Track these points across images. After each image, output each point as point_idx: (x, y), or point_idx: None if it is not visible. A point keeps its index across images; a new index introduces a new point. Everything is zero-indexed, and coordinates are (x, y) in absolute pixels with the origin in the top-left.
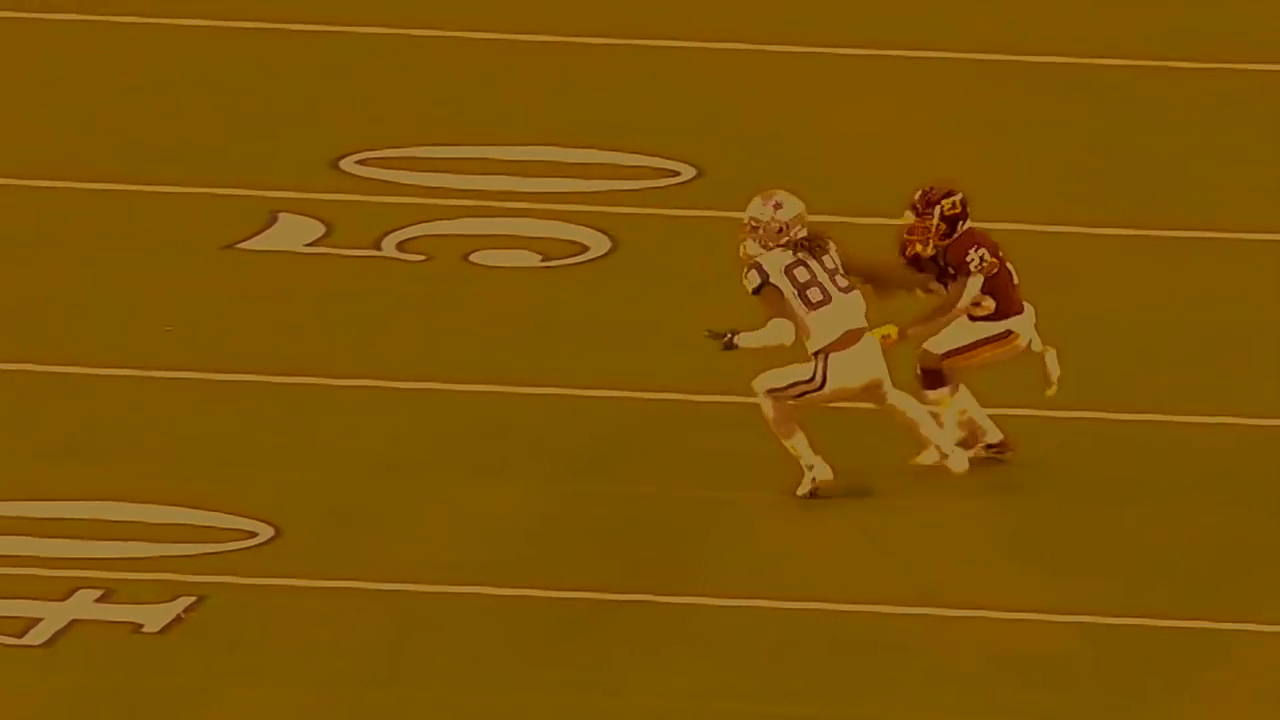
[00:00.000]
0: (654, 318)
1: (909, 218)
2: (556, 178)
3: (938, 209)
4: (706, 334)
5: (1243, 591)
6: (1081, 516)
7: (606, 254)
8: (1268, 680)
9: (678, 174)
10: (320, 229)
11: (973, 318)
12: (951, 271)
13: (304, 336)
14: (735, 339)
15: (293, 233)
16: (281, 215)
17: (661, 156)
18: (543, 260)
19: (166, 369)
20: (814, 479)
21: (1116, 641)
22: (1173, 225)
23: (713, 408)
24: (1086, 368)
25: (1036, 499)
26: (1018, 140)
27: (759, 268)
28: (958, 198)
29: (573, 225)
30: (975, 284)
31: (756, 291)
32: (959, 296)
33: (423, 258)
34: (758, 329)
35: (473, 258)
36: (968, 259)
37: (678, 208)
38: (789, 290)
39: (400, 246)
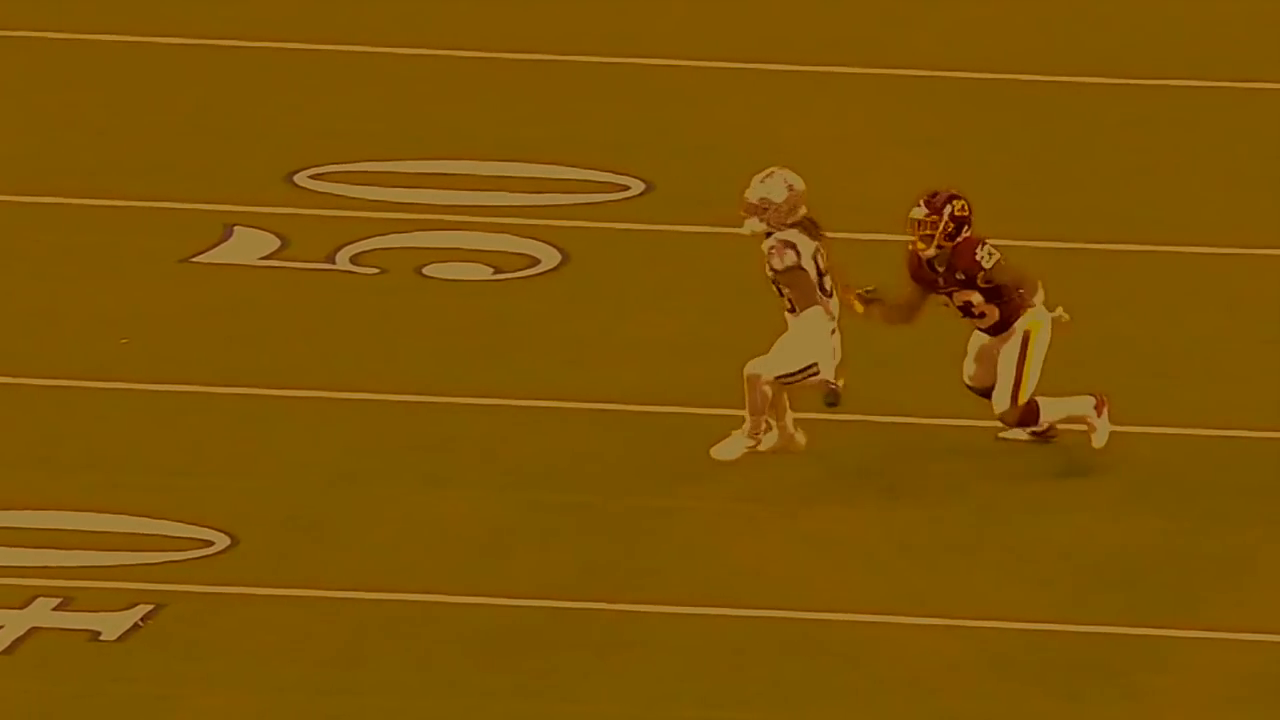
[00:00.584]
0: (604, 329)
1: (919, 213)
2: (508, 192)
3: (948, 209)
4: (829, 398)
5: (1183, 598)
6: (1024, 524)
7: (557, 267)
8: (1207, 686)
9: (628, 188)
10: (275, 242)
11: (979, 328)
12: (959, 276)
13: (259, 348)
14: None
15: (248, 246)
16: (237, 229)
17: (612, 171)
18: (494, 273)
19: (123, 380)
20: (758, 442)
21: (1059, 647)
22: (1111, 239)
23: (662, 418)
24: (1052, 379)
25: (981, 507)
26: (959, 155)
27: (794, 248)
28: (965, 201)
29: (524, 239)
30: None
31: (785, 271)
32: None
33: (376, 271)
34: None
35: (425, 270)
36: (977, 256)
37: (628, 222)
38: (814, 276)
39: (354, 260)
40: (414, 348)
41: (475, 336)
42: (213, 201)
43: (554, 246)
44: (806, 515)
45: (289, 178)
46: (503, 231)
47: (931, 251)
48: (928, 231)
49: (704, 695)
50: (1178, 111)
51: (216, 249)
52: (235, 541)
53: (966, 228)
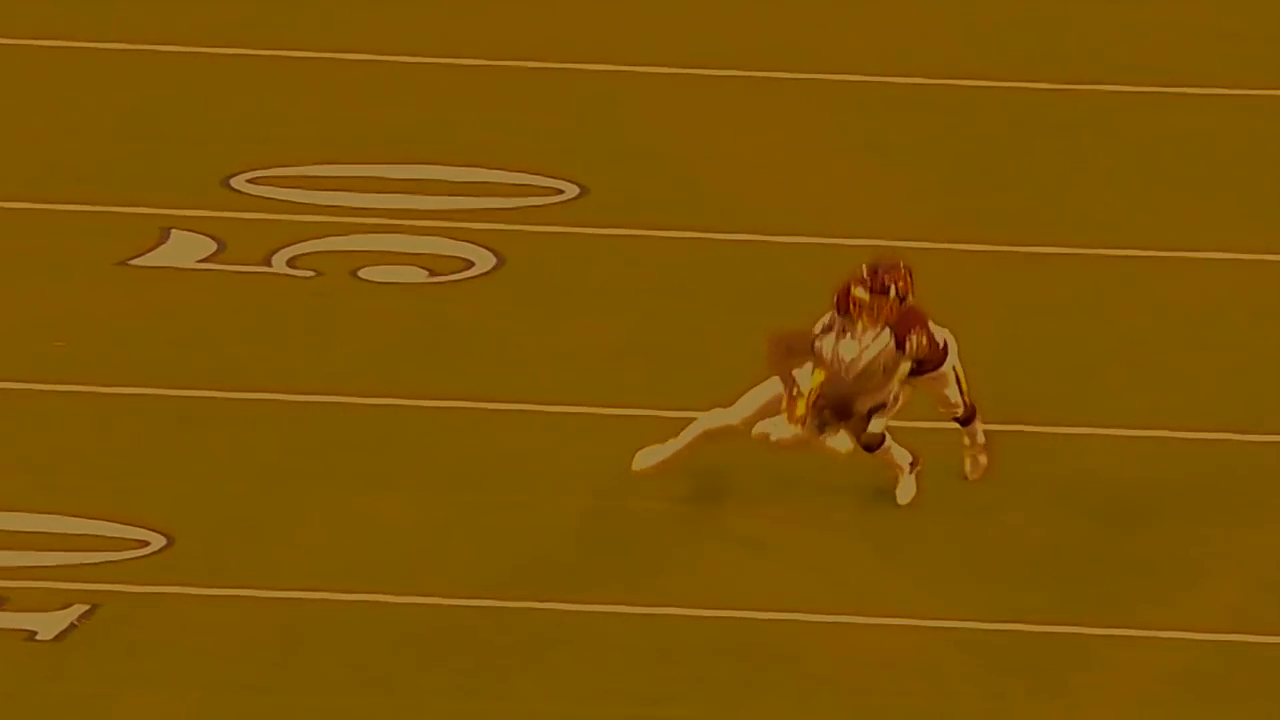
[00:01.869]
0: (539, 332)
1: (861, 294)
2: (443, 196)
3: (893, 289)
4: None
5: (1111, 597)
6: (952, 525)
7: (492, 270)
8: (1136, 684)
9: (562, 192)
10: (212, 246)
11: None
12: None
13: (196, 351)
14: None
15: (185, 250)
16: (173, 232)
17: (546, 175)
18: (430, 276)
19: (59, 382)
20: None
21: (987, 646)
22: (1040, 242)
23: (597, 419)
24: (979, 382)
25: (909, 507)
26: (890, 159)
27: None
28: (905, 270)
29: (459, 242)
30: (904, 368)
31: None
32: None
33: (312, 274)
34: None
35: (361, 273)
36: (908, 342)
37: (562, 225)
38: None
39: (290, 263)
40: (350, 350)
41: (411, 339)
42: (149, 205)
43: (489, 250)
44: (739, 516)
45: (225, 181)
46: (437, 235)
47: (875, 329)
48: (874, 312)
49: (637, 693)
50: (1106, 116)
51: (153, 252)
52: (171, 541)
53: (910, 296)
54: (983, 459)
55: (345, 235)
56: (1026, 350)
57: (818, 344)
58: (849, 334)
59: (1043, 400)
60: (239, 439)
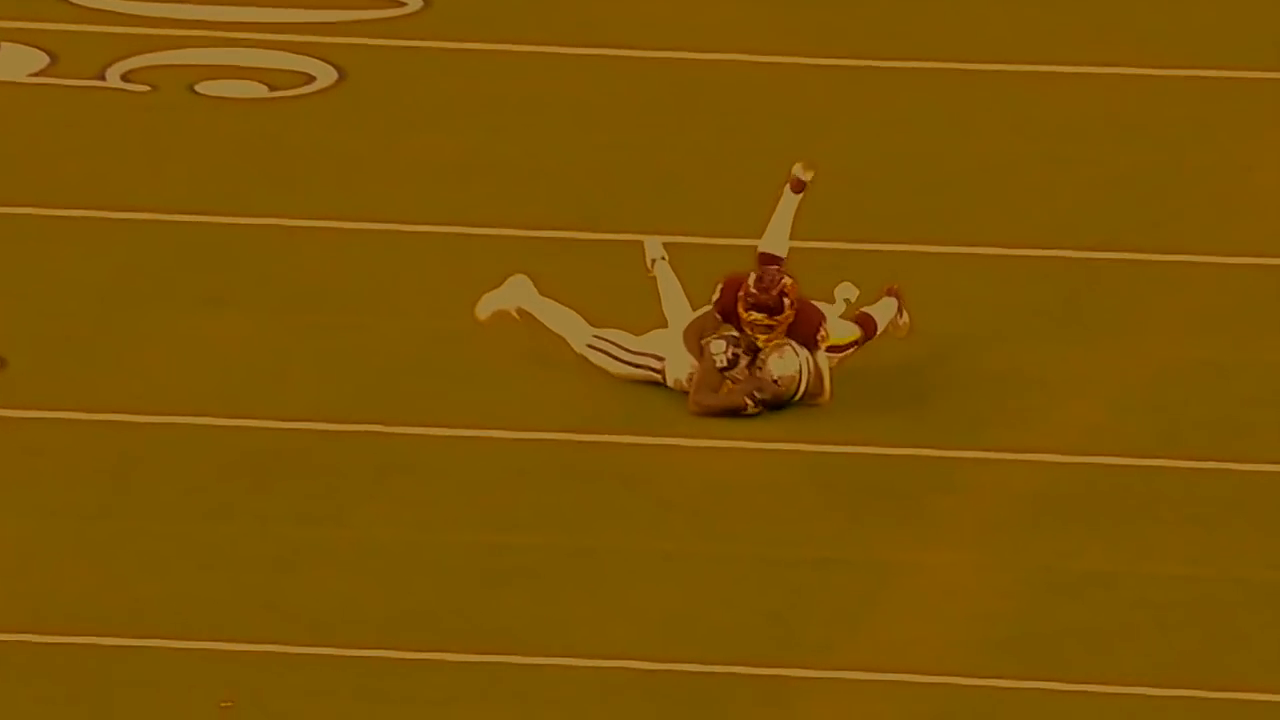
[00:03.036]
0: (382, 149)
1: (759, 318)
2: (283, 8)
3: (787, 304)
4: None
5: (967, 419)
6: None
7: (334, 85)
8: (994, 507)
9: (404, 4)
10: (44, 59)
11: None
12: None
13: (28, 167)
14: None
15: (16, 62)
16: (5, 45)
17: None
18: (269, 91)
19: None
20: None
21: (841, 470)
22: (895, 55)
23: (442, 238)
24: (835, 199)
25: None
26: None
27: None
28: (790, 281)
29: (299, 56)
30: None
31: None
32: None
33: (147, 88)
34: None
35: (198, 88)
36: (818, 337)
37: (406, 38)
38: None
39: (125, 77)
40: (188, 167)
41: (250, 156)
42: None
43: (330, 64)
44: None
45: None
46: (277, 49)
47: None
48: (773, 330)
49: (481, 519)
50: None
51: None
52: (3, 363)
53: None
54: (903, 320)
55: (181, 49)
56: (881, 167)
57: (731, 351)
58: (758, 359)
59: (897, 218)
60: (71, 259)
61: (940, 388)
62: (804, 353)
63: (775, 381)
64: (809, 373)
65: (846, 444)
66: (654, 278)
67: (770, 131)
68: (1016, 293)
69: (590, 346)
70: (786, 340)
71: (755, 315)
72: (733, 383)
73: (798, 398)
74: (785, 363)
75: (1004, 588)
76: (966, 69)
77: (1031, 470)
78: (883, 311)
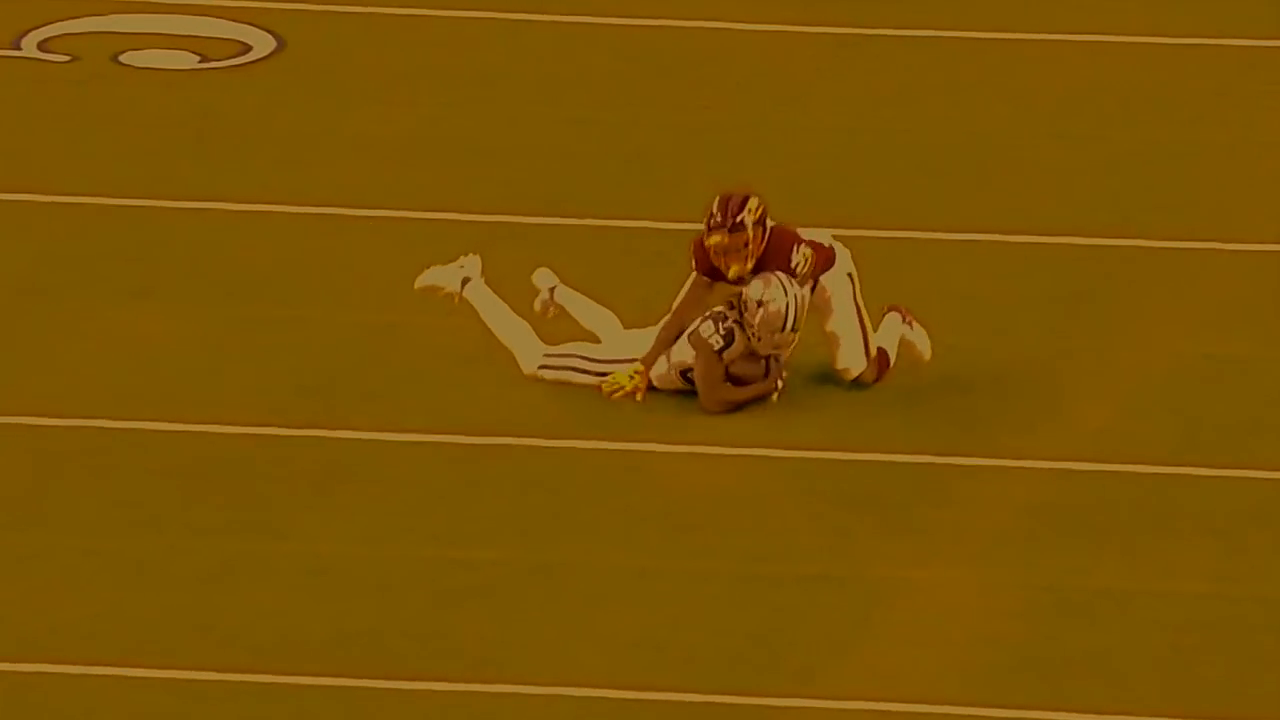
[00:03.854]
0: (325, 125)
1: (718, 239)
2: None
3: (748, 219)
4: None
5: (967, 423)
6: (795, 355)
7: (271, 54)
8: (994, 520)
9: None
10: None
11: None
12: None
13: None
14: None
15: None
16: None
17: None
18: (201, 61)
19: None
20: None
21: (829, 479)
22: (885, 24)
23: (390, 223)
24: (819, 181)
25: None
26: None
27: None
28: (757, 198)
29: (234, 23)
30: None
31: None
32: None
33: (67, 58)
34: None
35: (123, 58)
36: (793, 263)
37: (349, 5)
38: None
39: (42, 46)
40: (111, 145)
41: (180, 132)
42: None
43: (267, 31)
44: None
45: None
46: (209, 14)
47: (748, 269)
48: (738, 258)
49: (433, 532)
50: None
51: None
52: None
53: (768, 223)
54: (914, 329)
55: (104, 15)
56: (870, 145)
57: (722, 327)
58: (736, 309)
59: (888, 201)
60: None
61: (936, 388)
62: (790, 283)
63: (759, 304)
64: (798, 304)
65: (835, 450)
66: (558, 306)
67: (751, 106)
68: (1019, 284)
69: (544, 367)
70: (771, 274)
71: (715, 238)
72: (733, 365)
73: (791, 327)
74: (769, 290)
75: (1007, 608)
76: (964, 37)
77: (1037, 479)
78: (888, 335)
